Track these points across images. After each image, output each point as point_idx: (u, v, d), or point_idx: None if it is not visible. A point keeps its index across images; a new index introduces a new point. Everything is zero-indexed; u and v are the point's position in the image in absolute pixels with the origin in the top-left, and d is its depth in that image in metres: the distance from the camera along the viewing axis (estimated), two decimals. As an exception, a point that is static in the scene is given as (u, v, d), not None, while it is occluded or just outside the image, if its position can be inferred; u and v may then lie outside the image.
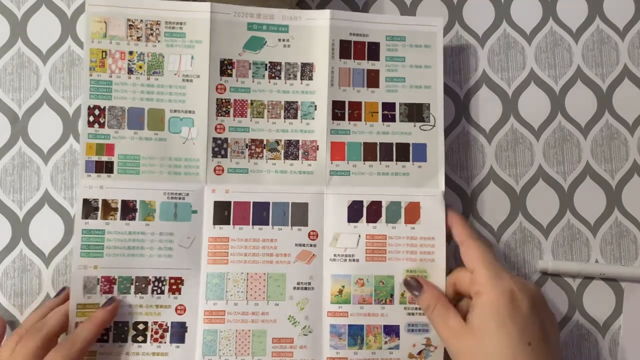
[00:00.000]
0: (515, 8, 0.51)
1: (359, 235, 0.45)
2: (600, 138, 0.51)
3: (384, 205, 0.46)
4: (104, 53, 0.45)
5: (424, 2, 0.51)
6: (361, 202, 0.46)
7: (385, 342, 0.44)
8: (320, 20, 0.46)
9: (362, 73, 0.47)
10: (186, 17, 0.46)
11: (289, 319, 0.44)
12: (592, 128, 0.51)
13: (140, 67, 0.45)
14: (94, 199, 0.44)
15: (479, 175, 0.50)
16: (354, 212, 0.46)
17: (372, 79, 0.47)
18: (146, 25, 0.46)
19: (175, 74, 0.46)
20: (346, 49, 0.47)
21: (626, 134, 0.51)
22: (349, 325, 0.45)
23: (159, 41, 0.46)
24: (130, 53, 0.45)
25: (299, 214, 0.45)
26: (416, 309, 0.45)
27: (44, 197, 0.48)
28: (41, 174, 0.48)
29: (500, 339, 0.37)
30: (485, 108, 0.50)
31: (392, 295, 0.45)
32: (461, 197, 0.49)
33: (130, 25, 0.45)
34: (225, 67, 0.46)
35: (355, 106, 0.46)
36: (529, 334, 0.38)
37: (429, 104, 0.47)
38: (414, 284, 0.44)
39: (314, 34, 0.47)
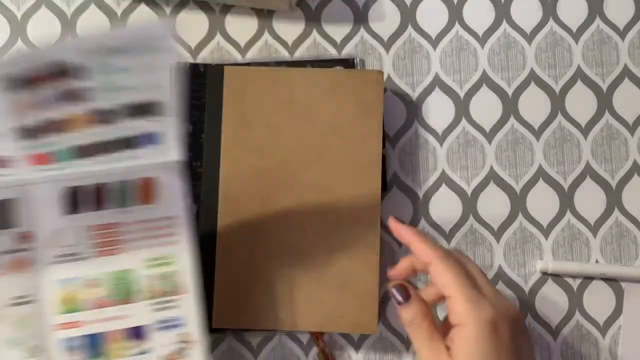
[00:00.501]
0: (515, 8, 0.51)
1: (82, 228, 0.38)
2: (600, 138, 0.51)
3: (109, 187, 0.38)
4: None
5: (424, 2, 0.51)
6: (80, 188, 0.38)
7: (131, 348, 0.38)
8: None
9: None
10: None
11: (7, 343, 0.37)
12: (592, 128, 0.51)
13: None
14: None
15: (479, 176, 0.50)
16: (71, 200, 0.38)
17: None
18: None
19: None
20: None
21: (626, 134, 0.51)
22: (85, 336, 0.38)
23: None
24: None
25: (1, 214, 0.37)
26: (166, 302, 0.39)
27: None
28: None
29: None
30: (485, 108, 0.50)
31: (133, 293, 0.38)
32: (461, 197, 0.49)
33: None
34: None
35: (57, 124, 0.35)
36: None
37: (157, 101, 0.36)
38: (402, 293, 0.40)
39: None
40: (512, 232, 0.49)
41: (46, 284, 0.38)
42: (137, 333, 0.38)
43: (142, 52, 0.35)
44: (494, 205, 0.49)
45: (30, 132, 0.35)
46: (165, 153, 0.38)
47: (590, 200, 0.50)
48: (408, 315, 0.39)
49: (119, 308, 0.38)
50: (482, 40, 0.51)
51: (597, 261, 0.49)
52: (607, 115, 0.51)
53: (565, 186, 0.50)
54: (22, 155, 0.36)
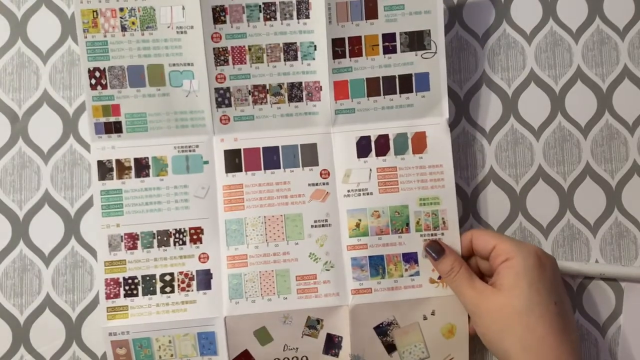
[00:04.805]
0: (515, 8, 0.51)
1: (370, 170, 0.46)
2: (600, 138, 0.51)
3: (390, 138, 0.47)
4: (95, 13, 0.45)
5: (424, 2, 0.51)
6: (369, 137, 0.47)
7: (406, 270, 0.46)
8: None
9: (359, 4, 0.46)
10: None
11: (309, 256, 0.46)
12: (592, 128, 0.51)
13: (133, 23, 0.45)
14: (107, 160, 0.46)
15: (479, 175, 0.50)
16: (363, 147, 0.46)
17: (371, 10, 0.46)
18: None
19: (168, 27, 0.45)
20: None
21: (626, 134, 0.51)
22: (369, 257, 0.46)
23: None
24: (121, 10, 0.45)
25: (308, 154, 0.46)
26: (432, 235, 0.46)
27: (44, 197, 0.48)
28: (41, 174, 0.48)
29: (532, 298, 0.39)
30: (485, 108, 0.50)
31: (407, 224, 0.46)
32: (461, 197, 0.49)
33: None
34: (218, 14, 0.46)
35: (356, 41, 0.46)
36: (554, 294, 0.40)
37: (429, 30, 0.46)
38: (436, 248, 0.45)
39: None
40: (512, 232, 0.49)
41: (341, 211, 0.46)
42: (410, 258, 0.46)
43: None
44: (494, 205, 0.49)
45: (339, 51, 0.46)
46: (434, 108, 0.47)
47: (590, 200, 0.50)
48: (445, 267, 0.44)
49: (396, 236, 0.46)
50: (482, 40, 0.51)
51: (596, 261, 0.50)
52: (606, 115, 0.51)
53: (565, 186, 0.50)
54: (329, 83, 0.46)
